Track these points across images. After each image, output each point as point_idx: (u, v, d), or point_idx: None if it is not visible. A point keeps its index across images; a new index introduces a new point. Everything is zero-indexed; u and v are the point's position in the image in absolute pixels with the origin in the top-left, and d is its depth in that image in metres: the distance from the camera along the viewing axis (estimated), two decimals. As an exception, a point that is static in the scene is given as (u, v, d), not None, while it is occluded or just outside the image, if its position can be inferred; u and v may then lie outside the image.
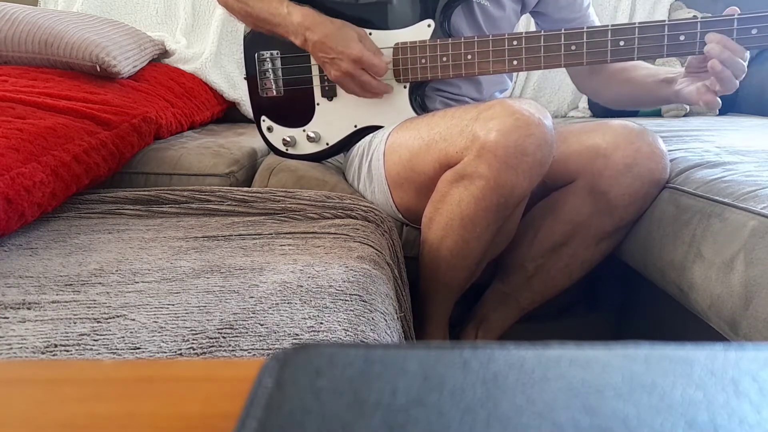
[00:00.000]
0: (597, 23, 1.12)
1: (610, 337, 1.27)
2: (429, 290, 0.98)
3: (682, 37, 0.88)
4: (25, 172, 0.79)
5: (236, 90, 1.68)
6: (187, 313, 0.55)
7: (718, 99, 0.89)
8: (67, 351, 0.49)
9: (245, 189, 0.99)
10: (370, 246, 0.77)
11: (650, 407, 0.18)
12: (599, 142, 0.92)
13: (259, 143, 1.25)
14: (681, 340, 0.21)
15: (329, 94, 1.09)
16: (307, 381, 0.19)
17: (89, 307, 0.57)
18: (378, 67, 0.99)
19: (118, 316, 0.55)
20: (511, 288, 1.06)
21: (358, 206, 0.91)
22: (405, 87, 1.05)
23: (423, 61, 1.01)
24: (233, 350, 0.49)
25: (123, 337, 0.51)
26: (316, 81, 1.10)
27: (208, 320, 0.54)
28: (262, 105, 1.16)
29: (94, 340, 0.50)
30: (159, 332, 0.52)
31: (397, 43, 1.03)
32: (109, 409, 0.22)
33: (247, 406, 0.18)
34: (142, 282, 0.63)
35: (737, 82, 0.88)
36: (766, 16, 0.84)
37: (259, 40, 1.10)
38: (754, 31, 0.85)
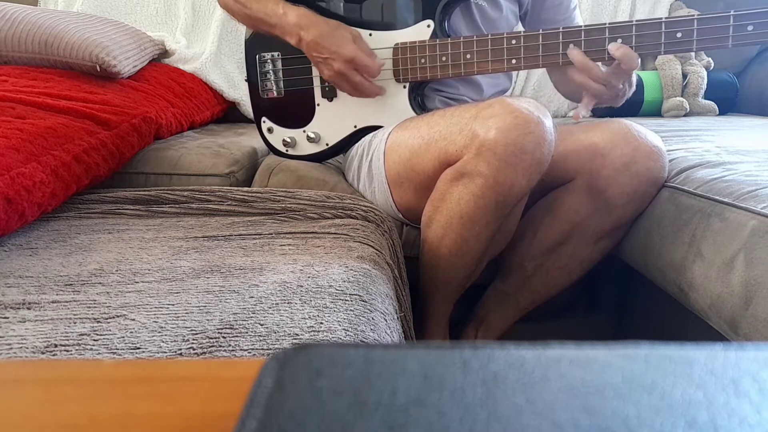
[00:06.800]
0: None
1: (610, 337, 1.27)
2: (429, 289, 0.98)
3: (679, 35, 0.88)
4: (25, 172, 0.79)
5: (236, 90, 1.68)
6: (187, 313, 0.55)
7: (583, 111, 0.95)
8: (67, 351, 0.49)
9: (245, 189, 0.99)
10: (370, 246, 0.77)
11: (650, 407, 0.18)
12: (597, 141, 0.92)
13: (259, 143, 1.25)
14: (681, 340, 0.21)
15: (329, 94, 1.09)
16: (307, 381, 0.19)
17: (89, 307, 0.57)
18: (371, 68, 1.00)
19: (118, 316, 0.55)
20: (510, 288, 1.06)
21: (358, 206, 0.91)
22: (405, 87, 1.05)
23: (422, 60, 1.02)
24: (233, 350, 0.49)
25: (123, 337, 0.51)
26: (316, 82, 1.10)
27: (208, 320, 0.54)
28: (263, 106, 1.16)
29: (94, 340, 0.50)
30: (159, 332, 0.52)
31: (396, 44, 1.03)
32: (109, 409, 0.22)
33: (247, 406, 0.18)
34: (142, 282, 0.63)
35: (613, 98, 0.95)
36: (762, 13, 0.84)
37: (260, 42, 1.10)
38: (750, 28, 0.85)
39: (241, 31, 1.15)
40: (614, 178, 0.90)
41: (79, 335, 0.51)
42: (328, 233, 0.80)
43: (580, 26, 0.93)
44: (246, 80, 1.17)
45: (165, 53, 1.65)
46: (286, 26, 1.00)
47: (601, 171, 0.91)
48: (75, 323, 0.53)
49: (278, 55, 1.11)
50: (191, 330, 0.52)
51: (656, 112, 1.66)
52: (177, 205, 0.93)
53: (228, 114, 1.71)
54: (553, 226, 0.98)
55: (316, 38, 0.98)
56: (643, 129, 0.93)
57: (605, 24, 0.91)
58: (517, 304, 1.07)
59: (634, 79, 0.96)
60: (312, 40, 0.98)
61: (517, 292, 1.06)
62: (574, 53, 0.91)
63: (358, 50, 0.98)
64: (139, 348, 0.49)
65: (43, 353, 0.48)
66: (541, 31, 0.94)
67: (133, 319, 0.54)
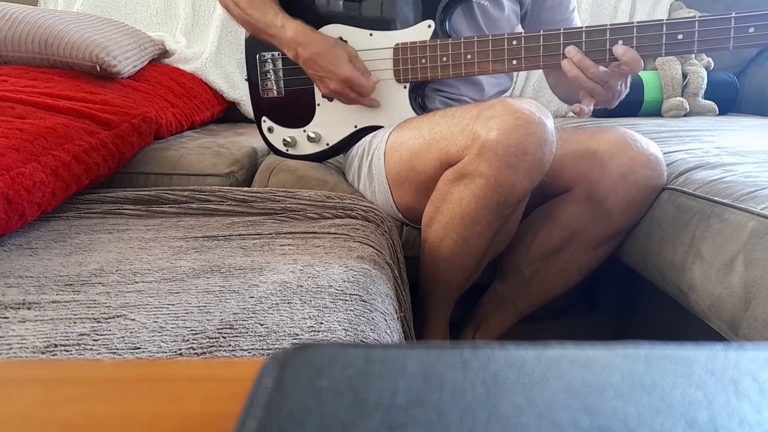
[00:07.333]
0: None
1: (610, 337, 1.27)
2: (429, 290, 0.98)
3: (680, 36, 0.88)
4: (25, 172, 0.79)
5: (236, 90, 1.68)
6: (187, 313, 0.55)
7: (585, 108, 0.92)
8: (67, 351, 0.49)
9: (245, 189, 0.99)
10: (370, 246, 0.77)
11: (650, 407, 0.18)
12: (595, 150, 0.92)
13: (259, 143, 1.25)
14: (681, 340, 0.21)
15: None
16: (307, 381, 0.19)
17: (89, 307, 0.57)
18: (366, 87, 1.01)
19: (118, 316, 0.55)
20: (508, 291, 1.06)
21: (358, 206, 0.91)
22: (405, 87, 1.05)
23: (423, 61, 1.02)
24: (233, 350, 0.49)
25: (123, 337, 0.51)
26: (316, 81, 1.10)
27: (208, 320, 0.54)
28: (263, 106, 1.16)
29: (94, 340, 0.50)
30: (159, 332, 0.52)
31: (397, 44, 1.03)
32: (109, 409, 0.22)
33: (247, 406, 0.18)
34: (142, 282, 0.63)
35: (609, 99, 0.94)
36: (763, 15, 0.84)
37: (260, 41, 1.10)
38: (751, 30, 0.85)
39: (241, 31, 1.15)
40: (612, 189, 0.90)
41: (79, 335, 0.51)
42: (328, 233, 0.80)
43: (581, 27, 0.93)
44: (246, 79, 1.17)
45: (165, 53, 1.65)
46: (283, 39, 1.00)
47: (600, 182, 0.91)
48: (75, 323, 0.53)
49: (278, 55, 1.11)
50: (191, 330, 0.52)
51: (656, 112, 1.66)
52: (177, 205, 0.93)
53: (228, 114, 1.71)
54: (552, 232, 0.99)
55: (312, 56, 0.99)
56: (640, 137, 0.93)
57: (606, 25, 0.91)
58: (515, 307, 1.07)
59: (629, 80, 0.97)
60: (309, 58, 0.99)
61: (514, 295, 1.06)
62: (572, 51, 0.91)
63: (354, 70, 0.99)
64: (139, 348, 0.49)
65: (43, 353, 0.48)
66: (542, 32, 0.94)
67: (133, 319, 0.54)
